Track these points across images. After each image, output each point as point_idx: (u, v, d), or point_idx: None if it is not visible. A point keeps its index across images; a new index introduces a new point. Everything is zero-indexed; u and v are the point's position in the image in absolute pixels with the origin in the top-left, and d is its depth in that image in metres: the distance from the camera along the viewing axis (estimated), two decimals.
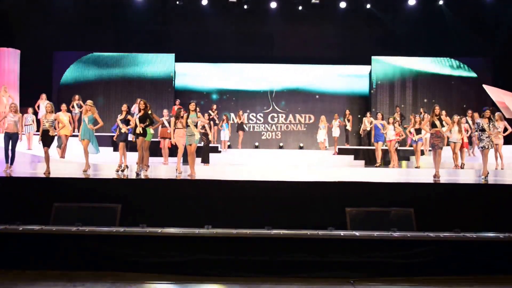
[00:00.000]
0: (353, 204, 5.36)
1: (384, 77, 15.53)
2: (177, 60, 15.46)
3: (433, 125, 8.39)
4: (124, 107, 8.84)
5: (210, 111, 13.23)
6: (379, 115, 11.39)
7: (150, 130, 8.49)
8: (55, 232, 4.65)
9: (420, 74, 15.52)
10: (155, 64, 15.42)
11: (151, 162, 9.33)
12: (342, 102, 16.18)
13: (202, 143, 10.83)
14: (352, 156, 13.21)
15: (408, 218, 5.26)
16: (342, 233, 4.79)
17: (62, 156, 10.30)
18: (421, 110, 13.43)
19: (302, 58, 15.93)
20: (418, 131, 10.86)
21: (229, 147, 14.08)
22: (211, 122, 12.70)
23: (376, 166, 11.16)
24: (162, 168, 9.90)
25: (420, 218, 5.23)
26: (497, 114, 10.14)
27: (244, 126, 14.30)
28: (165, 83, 15.35)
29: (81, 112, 11.73)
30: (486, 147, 8.12)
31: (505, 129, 10.28)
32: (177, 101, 13.90)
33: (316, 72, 16.24)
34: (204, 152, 11.23)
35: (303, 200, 5.75)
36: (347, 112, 14.34)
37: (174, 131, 8.37)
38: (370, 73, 15.83)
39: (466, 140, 10.87)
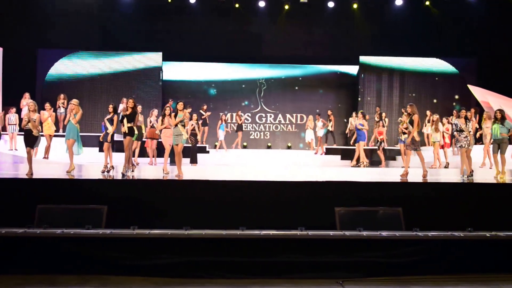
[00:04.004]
0: (342, 203, 5.37)
1: (371, 76, 15.65)
2: (165, 59, 15.30)
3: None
4: (110, 107, 8.71)
5: (201, 111, 13.13)
6: (360, 115, 11.43)
7: (141, 130, 8.40)
8: (39, 235, 4.52)
9: (406, 74, 15.70)
10: (142, 62, 15.21)
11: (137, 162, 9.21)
12: (330, 102, 16.23)
13: (190, 143, 10.75)
14: (339, 156, 13.28)
15: (397, 217, 5.29)
16: (331, 233, 4.78)
17: (46, 157, 10.10)
18: (403, 110, 13.47)
19: (290, 58, 15.93)
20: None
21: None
22: (200, 122, 12.61)
23: (364, 166, 11.23)
24: (149, 169, 9.79)
25: (408, 217, 5.26)
26: (485, 113, 10.22)
27: (242, 126, 14.33)
28: (152, 81, 15.16)
29: (66, 112, 11.47)
30: (464, 145, 8.27)
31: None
32: (170, 102, 13.74)
33: (304, 72, 16.26)
34: (192, 153, 11.16)
35: (292, 200, 5.74)
36: (329, 112, 14.18)
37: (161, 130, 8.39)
38: (357, 73, 15.94)
39: (448, 140, 11.01)
